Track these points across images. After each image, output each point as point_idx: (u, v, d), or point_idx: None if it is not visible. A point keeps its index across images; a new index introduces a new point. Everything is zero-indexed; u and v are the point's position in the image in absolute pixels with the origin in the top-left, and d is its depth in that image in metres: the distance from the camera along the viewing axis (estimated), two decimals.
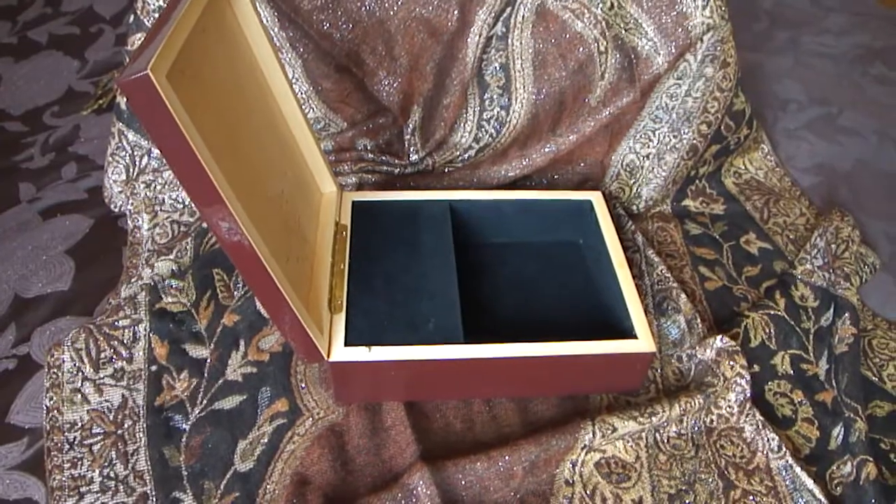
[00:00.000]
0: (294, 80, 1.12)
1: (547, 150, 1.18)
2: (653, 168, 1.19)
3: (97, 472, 0.85)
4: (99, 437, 0.88)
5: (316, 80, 1.13)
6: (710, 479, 0.87)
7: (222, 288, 1.03)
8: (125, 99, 1.13)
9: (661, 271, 1.07)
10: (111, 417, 0.90)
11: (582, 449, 0.86)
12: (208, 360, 0.96)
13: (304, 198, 0.98)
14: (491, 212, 1.08)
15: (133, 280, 1.04)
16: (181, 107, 0.62)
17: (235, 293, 1.03)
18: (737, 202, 1.26)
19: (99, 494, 0.83)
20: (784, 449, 0.87)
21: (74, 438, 0.88)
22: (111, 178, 1.16)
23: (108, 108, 1.39)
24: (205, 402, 0.92)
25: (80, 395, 0.92)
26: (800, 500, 0.85)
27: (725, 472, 0.87)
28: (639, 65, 1.11)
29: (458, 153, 1.18)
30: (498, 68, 1.13)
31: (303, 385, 0.93)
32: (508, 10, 1.08)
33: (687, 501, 0.85)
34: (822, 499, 0.84)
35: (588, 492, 0.84)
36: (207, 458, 0.87)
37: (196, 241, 1.08)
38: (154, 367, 0.95)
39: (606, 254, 1.00)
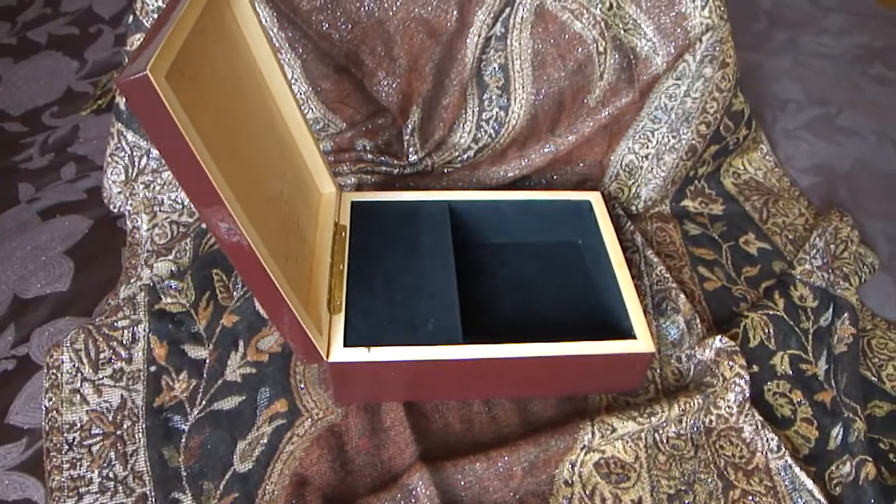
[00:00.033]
0: (293, 81, 1.12)
1: (546, 150, 1.18)
2: (652, 168, 1.19)
3: (96, 472, 0.85)
4: (98, 438, 0.88)
5: (315, 81, 1.13)
6: (710, 480, 0.87)
7: (221, 288, 1.03)
8: (124, 99, 1.13)
9: (661, 272, 1.07)
10: (110, 418, 0.90)
11: (581, 449, 0.86)
12: (207, 361, 0.96)
13: (304, 198, 0.98)
14: (490, 212, 1.08)
15: (132, 281, 1.04)
16: (180, 107, 0.62)
17: (234, 294, 1.03)
18: (736, 202, 1.26)
19: (98, 495, 0.83)
20: (783, 449, 0.87)
21: (73, 439, 0.88)
22: (110, 179, 1.16)
23: (107, 109, 1.39)
24: (204, 402, 0.92)
25: (79, 396, 0.92)
26: (799, 500, 0.85)
27: (725, 473, 0.87)
28: (638, 65, 1.11)
29: (457, 154, 1.18)
30: (497, 69, 1.13)
31: (302, 386, 0.93)
32: (507, 10, 1.08)
33: (686, 501, 0.85)
34: (822, 499, 0.84)
35: (587, 492, 0.84)
36: (206, 458, 0.87)
37: (195, 241, 1.08)
38: (153, 368, 0.95)
39: (605, 254, 1.00)
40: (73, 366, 0.94)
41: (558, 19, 1.09)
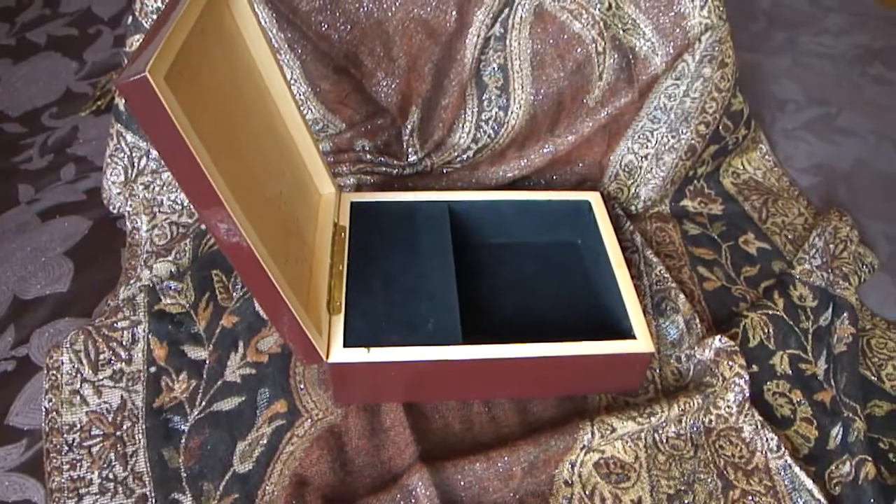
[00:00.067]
0: (292, 82, 1.12)
1: (545, 150, 1.18)
2: (651, 168, 1.19)
3: (96, 473, 0.85)
4: (98, 439, 0.88)
5: (314, 82, 1.13)
6: (709, 479, 0.87)
7: (221, 289, 1.03)
8: (123, 100, 1.13)
9: (660, 272, 1.07)
10: (110, 419, 0.90)
11: (581, 449, 0.86)
12: (207, 362, 0.96)
13: (303, 199, 0.98)
14: (489, 212, 1.08)
15: (132, 281, 1.04)
16: (179, 108, 0.62)
17: (234, 294, 1.03)
18: (735, 202, 1.26)
19: (98, 496, 0.83)
20: (783, 449, 0.87)
21: (73, 440, 0.88)
22: (110, 180, 1.16)
23: (106, 110, 1.39)
24: (204, 403, 0.92)
25: (79, 397, 0.92)
26: (799, 499, 0.85)
27: (724, 472, 0.87)
28: (637, 65, 1.11)
29: (456, 154, 1.18)
30: (496, 69, 1.13)
31: (302, 386, 0.93)
32: (506, 10, 1.08)
33: (686, 501, 0.85)
34: (821, 498, 0.84)
35: (587, 492, 0.85)
36: (206, 459, 0.87)
37: (195, 242, 1.08)
38: (153, 369, 0.95)
39: (605, 254, 1.00)
40: (73, 367, 0.94)
41: (557, 19, 1.09)
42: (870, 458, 0.86)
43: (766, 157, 1.33)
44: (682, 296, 1.03)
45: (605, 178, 1.22)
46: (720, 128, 1.21)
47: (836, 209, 1.17)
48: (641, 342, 0.89)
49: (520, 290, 1.04)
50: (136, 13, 1.09)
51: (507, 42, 1.10)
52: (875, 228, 1.21)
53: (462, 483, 0.82)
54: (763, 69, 1.56)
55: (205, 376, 0.94)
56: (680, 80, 1.13)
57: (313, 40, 1.08)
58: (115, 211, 1.18)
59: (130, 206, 1.16)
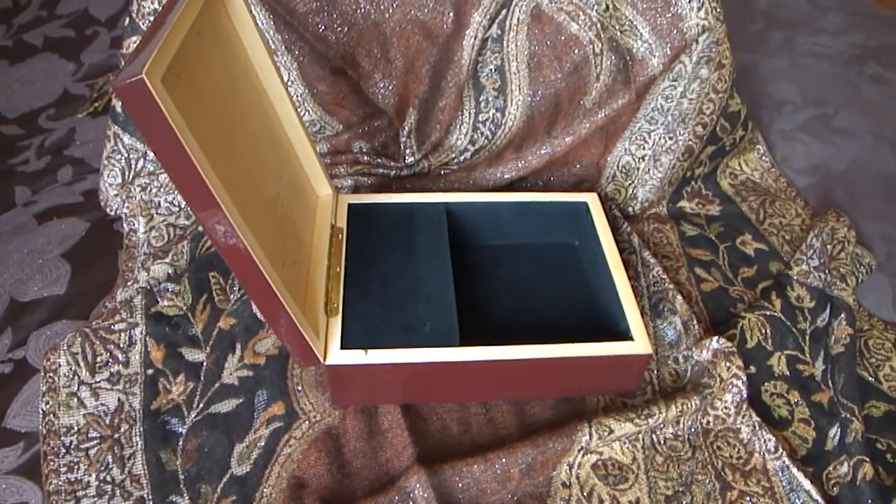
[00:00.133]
0: (289, 83, 1.12)
1: (542, 151, 1.18)
2: (648, 169, 1.19)
3: (94, 476, 0.85)
4: (95, 441, 0.88)
5: (311, 83, 1.13)
6: (707, 481, 0.87)
7: (218, 291, 1.03)
8: (120, 102, 1.13)
9: (657, 273, 1.07)
10: (108, 421, 0.90)
11: (579, 451, 0.87)
12: (204, 364, 0.96)
13: (300, 200, 0.98)
14: (487, 214, 1.08)
15: (129, 284, 1.04)
16: (176, 110, 0.62)
17: (231, 296, 1.03)
18: (733, 203, 1.26)
19: (95, 498, 0.83)
20: (781, 450, 0.88)
21: (71, 442, 0.88)
22: (107, 182, 1.16)
23: (103, 111, 1.39)
24: (201, 405, 0.92)
25: (76, 400, 0.91)
26: (796, 500, 0.85)
27: (722, 473, 0.87)
28: (634, 66, 1.11)
29: (453, 155, 1.18)
30: (493, 70, 1.13)
31: (299, 388, 0.93)
32: (504, 12, 1.08)
33: (684, 502, 0.85)
34: (819, 499, 0.84)
35: (585, 494, 0.85)
36: (204, 461, 0.87)
37: (192, 244, 1.08)
38: (150, 371, 0.95)
39: (602, 255, 1.00)
40: (70, 369, 0.94)
41: (554, 21, 1.09)
42: (867, 459, 0.86)
43: (764, 157, 1.33)
44: (679, 297, 1.03)
45: (602, 180, 1.22)
46: (717, 129, 1.21)
47: (834, 210, 1.17)
48: (639, 343, 0.89)
49: (517, 292, 1.04)
50: (134, 15, 1.08)
51: (505, 43, 1.10)
52: (872, 229, 1.21)
53: (460, 485, 0.82)
54: (760, 70, 1.56)
55: (202, 378, 0.94)
56: (677, 82, 1.13)
57: (310, 42, 1.08)
58: (112, 213, 1.17)
59: (127, 207, 1.15)
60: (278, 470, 0.85)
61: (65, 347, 0.95)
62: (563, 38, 1.10)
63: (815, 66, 1.59)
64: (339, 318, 0.89)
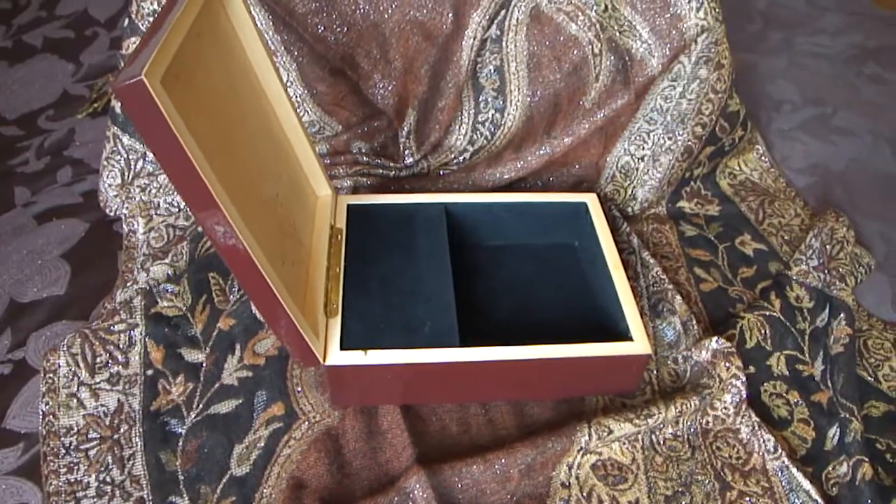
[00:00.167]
0: (288, 84, 1.12)
1: (542, 152, 1.18)
2: (647, 170, 1.19)
3: (93, 476, 0.85)
4: (95, 442, 0.88)
5: (310, 84, 1.13)
6: (707, 481, 0.87)
7: (218, 292, 1.03)
8: (120, 103, 1.13)
9: (657, 273, 1.07)
10: (107, 422, 0.90)
11: (578, 451, 0.87)
12: (204, 365, 0.96)
13: (299, 201, 0.98)
14: (486, 214, 1.08)
15: (129, 284, 1.04)
16: (175, 112, 0.62)
17: (231, 297, 1.03)
18: (732, 203, 1.26)
19: (95, 499, 0.83)
20: (780, 450, 0.88)
21: (70, 443, 0.88)
22: (106, 182, 1.16)
23: (102, 112, 1.39)
24: (201, 406, 0.92)
25: (76, 400, 0.91)
26: (796, 500, 0.85)
27: (721, 474, 0.87)
28: (633, 67, 1.11)
29: (452, 156, 1.18)
30: (492, 71, 1.13)
31: (299, 389, 0.93)
32: (503, 12, 1.09)
33: (683, 503, 0.85)
34: (819, 499, 0.84)
35: (584, 494, 0.85)
36: (204, 462, 0.87)
37: (191, 245, 1.08)
38: (150, 372, 0.95)
39: (601, 256, 1.01)
40: (70, 370, 0.94)
41: (553, 21, 1.09)
42: (867, 459, 0.86)
43: (763, 157, 1.33)
44: (678, 297, 1.03)
45: (601, 180, 1.22)
46: (717, 129, 1.21)
47: (833, 210, 1.17)
48: (638, 344, 0.90)
49: (517, 292, 1.04)
50: (133, 16, 1.09)
51: (504, 44, 1.10)
52: (871, 228, 1.21)
53: (459, 485, 0.82)
54: (759, 70, 1.57)
55: (202, 379, 0.94)
56: (676, 82, 1.13)
57: (309, 42, 1.08)
58: (111, 213, 1.17)
59: (127, 208, 1.15)
60: (278, 470, 0.85)
61: (64, 348, 0.95)
62: (562, 38, 1.10)
63: (813, 66, 1.59)
64: (338, 319, 0.89)
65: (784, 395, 0.96)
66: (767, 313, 1.04)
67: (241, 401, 0.92)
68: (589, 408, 0.93)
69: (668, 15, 1.08)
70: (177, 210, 1.16)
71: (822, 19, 1.74)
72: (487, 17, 1.08)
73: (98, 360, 0.95)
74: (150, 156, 1.15)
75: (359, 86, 1.14)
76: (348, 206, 1.04)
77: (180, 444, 0.88)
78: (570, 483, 0.85)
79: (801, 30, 1.70)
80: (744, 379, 0.91)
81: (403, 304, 0.93)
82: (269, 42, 1.08)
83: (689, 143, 1.18)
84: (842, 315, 1.01)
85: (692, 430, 0.91)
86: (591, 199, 1.09)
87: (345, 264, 0.96)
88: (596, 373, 0.92)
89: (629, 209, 1.22)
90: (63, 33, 1.64)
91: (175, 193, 1.15)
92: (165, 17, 0.68)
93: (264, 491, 0.84)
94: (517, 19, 1.09)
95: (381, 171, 1.18)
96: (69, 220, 1.19)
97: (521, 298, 1.04)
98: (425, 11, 1.08)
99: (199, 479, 0.85)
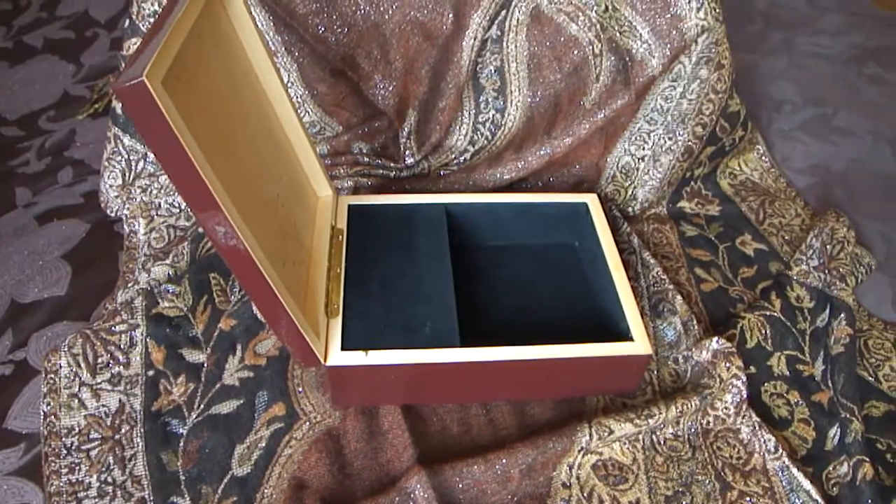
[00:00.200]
0: (289, 84, 1.12)
1: (542, 152, 1.18)
2: (648, 170, 1.19)
3: (95, 477, 0.85)
4: (96, 443, 0.88)
5: (311, 84, 1.13)
6: (707, 481, 0.87)
7: (219, 292, 1.03)
8: (120, 104, 1.13)
9: (657, 273, 1.07)
10: (108, 423, 0.90)
11: (579, 451, 0.87)
12: (205, 365, 0.96)
13: (300, 202, 0.98)
14: (486, 215, 1.08)
15: (129, 285, 1.04)
16: (176, 112, 0.62)
17: (232, 298, 1.03)
18: (732, 203, 1.26)
19: (97, 499, 0.83)
20: (780, 450, 0.88)
21: (72, 444, 0.88)
22: (107, 183, 1.16)
23: (103, 113, 1.39)
24: (202, 406, 0.92)
25: (77, 401, 0.92)
26: (796, 500, 0.85)
27: (722, 474, 0.87)
28: (633, 67, 1.11)
29: (453, 156, 1.18)
30: (493, 71, 1.13)
31: (300, 389, 0.93)
32: (503, 13, 1.09)
33: (684, 503, 0.85)
34: (819, 499, 0.84)
35: (585, 494, 0.85)
36: (205, 462, 0.87)
37: (192, 245, 1.08)
38: (151, 372, 0.95)
39: (602, 256, 1.01)
40: (71, 370, 0.94)
41: (554, 22, 1.09)
42: (867, 459, 0.86)
43: (763, 158, 1.33)
44: (679, 297, 1.03)
45: (602, 180, 1.22)
46: (717, 129, 1.21)
47: (834, 210, 1.17)
48: (639, 344, 0.90)
49: (517, 293, 1.05)
50: (134, 16, 1.09)
51: (504, 44, 1.10)
52: (872, 229, 1.21)
53: (460, 485, 0.82)
54: (759, 70, 1.57)
55: (203, 379, 0.94)
56: (676, 82, 1.13)
57: (310, 43, 1.09)
58: (112, 214, 1.17)
59: (128, 209, 1.16)
60: (279, 471, 0.85)
61: (65, 349, 0.95)
62: (562, 38, 1.10)
63: (814, 67, 1.59)
64: (339, 319, 0.89)
65: (784, 395, 0.96)
66: (768, 313, 1.04)
67: (242, 401, 0.92)
68: (590, 408, 0.94)
69: (669, 15, 1.08)
70: (178, 211, 1.16)
71: (822, 20, 1.74)
72: (488, 17, 1.08)
73: (99, 360, 0.95)
74: (151, 156, 1.16)
75: (359, 86, 1.14)
76: (349, 206, 1.05)
77: (181, 444, 0.89)
78: (570, 483, 0.85)
79: (801, 30, 1.70)
80: (744, 379, 0.91)
81: (404, 304, 0.94)
82: (270, 43, 1.08)
83: (690, 143, 1.18)
84: (842, 315, 1.01)
85: (693, 430, 0.91)
86: (591, 200, 1.09)
87: (346, 265, 0.96)
88: (597, 373, 0.92)
89: (630, 209, 1.22)
90: (63, 34, 1.65)
91: (176, 194, 1.15)
92: (166, 18, 0.68)
93: (265, 491, 0.84)
94: (518, 20, 1.09)
95: (381, 171, 1.18)
96: (70, 221, 1.19)
97: (522, 299, 1.04)
98: (426, 12, 1.08)
99: (201, 479, 0.85)
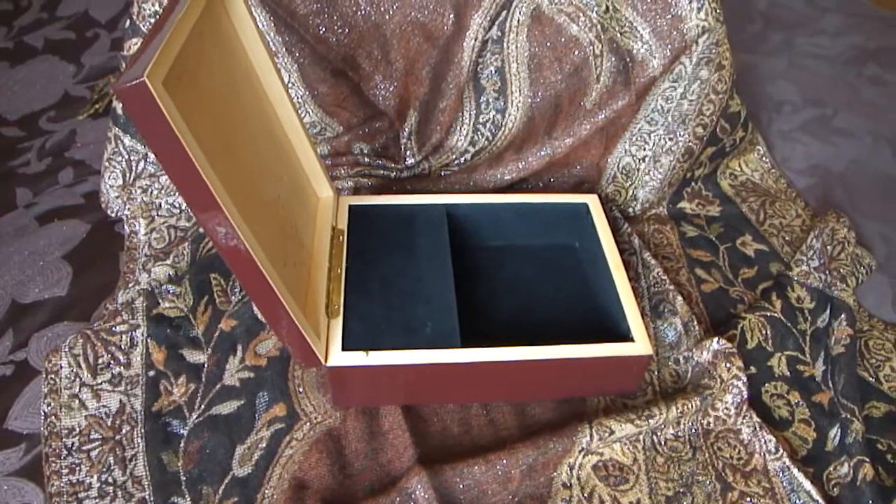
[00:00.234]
0: (290, 85, 1.12)
1: (543, 153, 1.18)
2: (648, 170, 1.20)
3: (95, 477, 0.85)
4: (97, 443, 0.88)
5: (312, 85, 1.13)
6: (708, 481, 0.87)
7: (219, 293, 1.03)
8: (121, 104, 1.13)
9: (658, 274, 1.07)
10: (109, 423, 0.90)
11: (579, 452, 0.87)
12: (206, 365, 0.96)
13: (301, 202, 0.98)
14: (487, 215, 1.09)
15: (130, 285, 1.04)
16: (177, 113, 0.62)
17: (233, 298, 1.03)
18: (733, 204, 1.26)
19: (97, 500, 0.83)
20: (781, 450, 0.88)
21: (72, 444, 0.88)
22: (108, 183, 1.16)
23: (104, 113, 1.39)
24: (202, 407, 0.92)
25: (77, 401, 0.92)
26: (797, 501, 0.85)
27: (723, 474, 0.87)
28: (634, 68, 1.11)
29: (454, 157, 1.18)
30: (493, 72, 1.13)
31: (300, 389, 0.93)
32: (504, 13, 1.09)
33: (684, 503, 0.85)
34: (820, 500, 0.84)
35: (585, 495, 0.85)
36: (205, 463, 0.87)
37: (193, 245, 1.08)
38: (152, 373, 0.95)
39: (603, 256, 1.01)
40: (72, 371, 0.94)
41: (554, 22, 1.09)
42: (868, 460, 0.86)
43: (764, 158, 1.33)
44: (679, 298, 1.03)
45: (602, 181, 1.22)
46: (717, 130, 1.21)
47: (834, 210, 1.17)
48: (639, 344, 0.90)
49: (518, 293, 1.05)
50: (134, 17, 1.09)
51: (505, 45, 1.11)
52: (872, 229, 1.21)
53: (461, 486, 0.82)
54: (760, 70, 1.57)
55: (203, 380, 0.94)
56: (677, 83, 1.13)
57: (311, 43, 1.09)
58: (113, 214, 1.17)
59: (128, 209, 1.16)
60: (280, 471, 0.85)
61: (66, 349, 0.95)
62: (563, 39, 1.10)
63: (814, 67, 1.59)
64: (339, 320, 0.89)
65: (785, 395, 0.96)
66: (768, 314, 1.04)
67: (242, 402, 0.92)
68: (590, 408, 0.94)
69: (669, 16, 1.08)
70: (178, 211, 1.16)
71: (822, 20, 1.74)
72: (488, 18, 1.08)
73: (100, 360, 0.95)
74: (152, 157, 1.16)
75: (360, 87, 1.14)
76: (350, 206, 1.05)
77: (182, 444, 0.89)
78: (571, 483, 0.85)
79: (801, 31, 1.70)
80: (745, 379, 0.91)
81: (405, 304, 0.94)
82: (271, 43, 1.08)
83: (690, 143, 1.18)
84: (843, 316, 1.01)
85: (693, 430, 0.91)
86: (591, 200, 1.09)
87: (346, 265, 0.96)
88: (597, 373, 0.92)
89: (630, 210, 1.22)
90: (64, 34, 1.65)
91: (176, 194, 1.15)
92: (167, 19, 0.68)
93: (266, 492, 0.84)
94: (518, 20, 1.09)
95: (382, 172, 1.18)
96: (71, 221, 1.19)
97: (523, 299, 1.04)
98: (426, 13, 1.08)
99: (201, 479, 0.85)
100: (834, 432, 0.92)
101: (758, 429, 0.90)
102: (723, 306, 1.08)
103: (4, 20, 1.70)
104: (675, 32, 1.08)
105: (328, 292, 0.91)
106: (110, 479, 0.85)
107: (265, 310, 0.78)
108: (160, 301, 1.02)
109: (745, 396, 0.91)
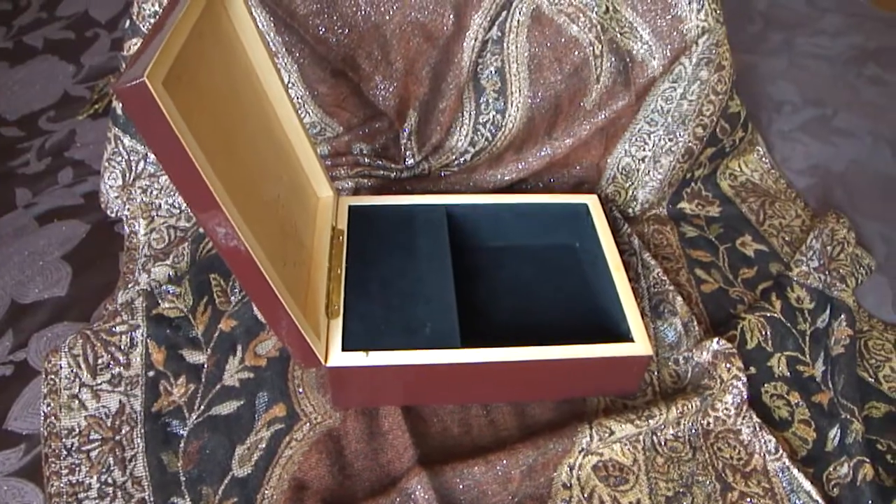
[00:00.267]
0: (290, 85, 1.12)
1: (543, 153, 1.18)
2: (648, 171, 1.20)
3: (95, 478, 0.85)
4: (97, 444, 0.88)
5: (312, 85, 1.13)
6: (708, 482, 0.87)
7: (219, 293, 1.03)
8: (121, 104, 1.13)
9: (658, 274, 1.07)
10: (109, 423, 0.90)
11: (579, 452, 0.87)
12: (205, 366, 0.96)
13: (301, 202, 0.98)
14: (487, 215, 1.08)
15: (130, 285, 1.04)
16: (177, 113, 0.62)
17: (232, 298, 1.03)
18: (732, 204, 1.26)
19: (97, 500, 0.83)
20: (781, 451, 0.88)
21: (72, 444, 0.88)
22: (107, 183, 1.16)
23: (103, 113, 1.39)
24: (202, 407, 0.92)
25: (77, 402, 0.92)
26: (797, 501, 0.85)
27: (723, 475, 0.87)
28: (634, 68, 1.11)
29: (454, 157, 1.18)
30: (493, 72, 1.13)
31: (300, 390, 0.93)
32: (504, 14, 1.09)
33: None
34: (819, 500, 0.84)
35: (585, 495, 0.85)
36: (205, 463, 0.87)
37: (193, 246, 1.08)
38: (151, 373, 0.95)
39: (602, 257, 1.01)
40: (72, 371, 0.94)
41: (554, 23, 1.09)
42: (868, 460, 0.86)
43: (764, 159, 1.33)
44: (679, 298, 1.03)
45: (602, 181, 1.22)
46: (717, 130, 1.21)
47: (834, 211, 1.17)
48: (639, 345, 0.90)
49: (518, 294, 1.05)
50: (134, 17, 1.09)
51: (505, 45, 1.11)
52: (872, 229, 1.21)
53: (461, 486, 0.82)
54: (759, 71, 1.57)
55: (203, 380, 0.94)
56: (677, 83, 1.13)
57: (311, 44, 1.09)
58: (112, 215, 1.17)
59: (128, 209, 1.16)
60: (279, 472, 0.85)
61: (66, 349, 0.95)
62: (563, 39, 1.10)
63: (813, 67, 1.59)
64: (339, 320, 0.89)
65: (785, 395, 0.96)
66: (768, 314, 1.04)
67: (242, 402, 0.92)
68: (590, 409, 0.94)
69: (669, 16, 1.08)
70: (178, 211, 1.16)
71: (822, 20, 1.74)
72: (488, 18, 1.08)
73: (99, 361, 0.95)
74: (152, 157, 1.16)
75: (360, 87, 1.14)
76: (349, 207, 1.05)
77: (182, 445, 0.89)
78: (571, 484, 0.85)
79: (801, 31, 1.70)
80: (745, 380, 0.91)
81: (405, 305, 0.94)
82: (271, 43, 1.08)
83: (690, 144, 1.18)
84: (842, 316, 1.01)
85: (693, 430, 0.91)
86: (591, 201, 1.09)
87: (346, 265, 0.96)
88: (597, 374, 0.92)
89: (630, 210, 1.22)
90: (64, 34, 1.64)
91: (176, 194, 1.15)
92: (167, 19, 0.68)
93: (266, 492, 0.84)
94: (518, 21, 1.09)
95: (382, 172, 1.18)
96: (70, 222, 1.19)
97: (522, 299, 1.04)
98: (426, 13, 1.08)
99: (201, 480, 0.85)
100: (834, 433, 0.92)
101: (758, 429, 0.90)
102: (723, 307, 1.08)
103: (4, 20, 1.70)
104: (674, 33, 1.08)
105: (328, 292, 0.91)
106: (110, 480, 0.85)
107: (265, 310, 0.78)
108: (160, 301, 1.02)
109: (745, 397, 0.91)
